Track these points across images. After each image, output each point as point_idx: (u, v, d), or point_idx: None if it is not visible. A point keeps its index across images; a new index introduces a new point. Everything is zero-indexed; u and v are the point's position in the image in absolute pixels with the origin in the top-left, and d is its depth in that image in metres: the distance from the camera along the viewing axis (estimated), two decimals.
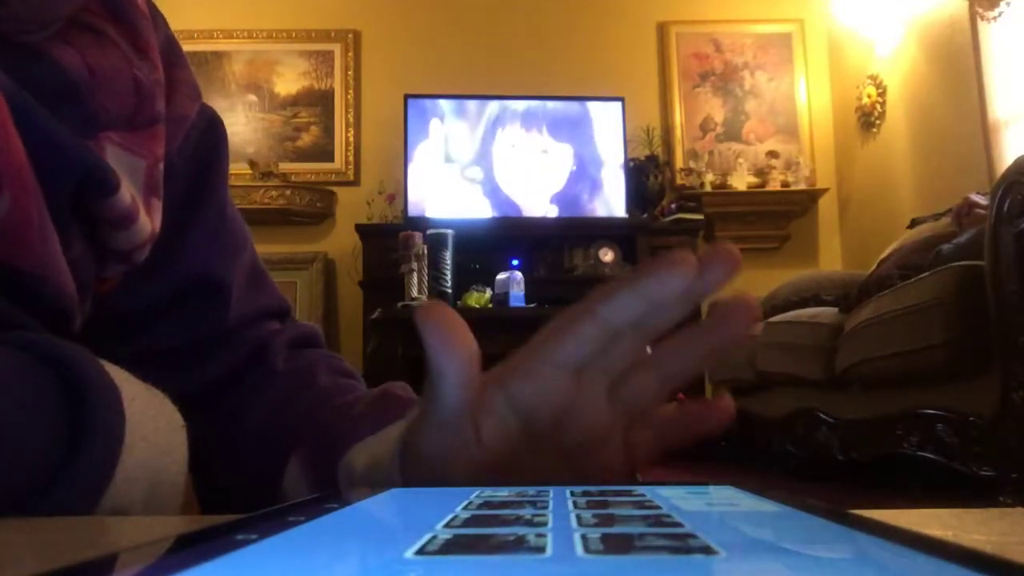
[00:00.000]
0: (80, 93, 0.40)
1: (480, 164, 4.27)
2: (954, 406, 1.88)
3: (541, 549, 0.15)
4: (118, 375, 0.34)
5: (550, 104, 4.37)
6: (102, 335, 0.54)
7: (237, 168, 4.33)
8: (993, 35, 3.28)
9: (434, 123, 4.29)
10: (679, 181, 4.52)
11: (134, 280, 0.47)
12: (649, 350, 0.33)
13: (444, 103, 4.32)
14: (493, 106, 4.34)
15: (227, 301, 0.52)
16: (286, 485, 0.45)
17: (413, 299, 2.68)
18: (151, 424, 0.35)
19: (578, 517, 0.19)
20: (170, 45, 0.50)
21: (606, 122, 4.36)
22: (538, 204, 4.26)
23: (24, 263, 0.37)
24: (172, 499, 0.36)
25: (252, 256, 0.57)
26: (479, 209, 4.22)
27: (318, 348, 0.58)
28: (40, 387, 0.31)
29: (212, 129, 0.56)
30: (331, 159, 4.55)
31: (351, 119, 4.58)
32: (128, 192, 0.42)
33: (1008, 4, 3.16)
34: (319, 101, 4.59)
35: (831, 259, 4.60)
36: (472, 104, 4.34)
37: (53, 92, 0.39)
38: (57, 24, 0.40)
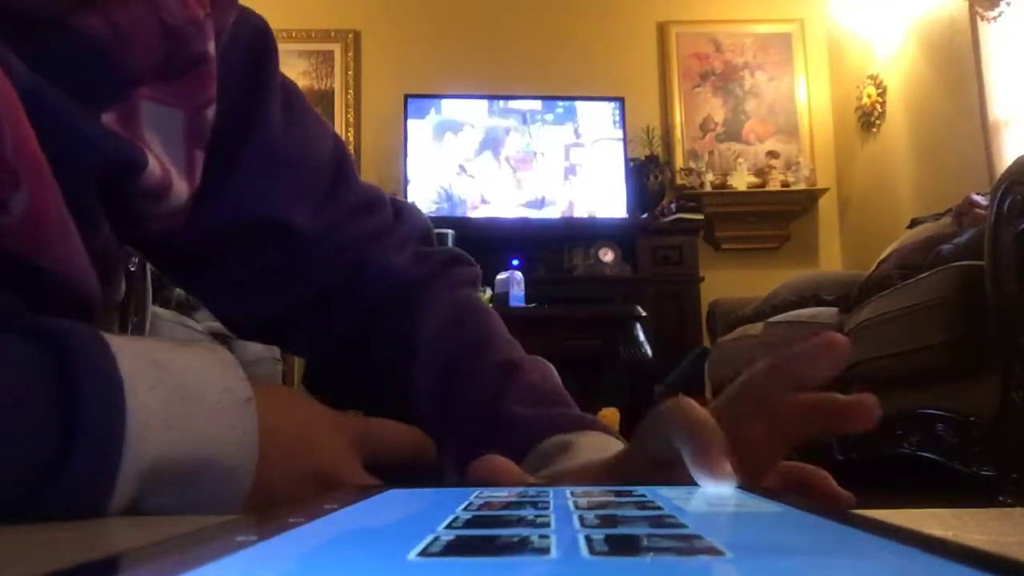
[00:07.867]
0: (106, 56, 0.39)
1: (480, 164, 4.27)
2: (954, 406, 1.87)
3: (546, 550, 0.15)
4: (142, 357, 0.31)
5: (550, 104, 4.37)
6: (171, 265, 0.56)
7: None
8: (993, 35, 3.28)
9: (435, 122, 4.28)
10: (679, 181, 4.52)
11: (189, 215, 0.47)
12: None
13: (445, 103, 4.32)
14: (493, 106, 4.34)
15: (294, 238, 0.52)
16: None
17: None
18: (184, 408, 0.32)
19: (581, 518, 0.19)
20: None
21: (606, 122, 4.36)
22: (538, 204, 4.26)
23: (43, 259, 0.36)
24: (227, 488, 0.33)
25: (329, 159, 0.56)
26: (480, 208, 4.21)
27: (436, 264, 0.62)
28: (29, 383, 0.29)
29: (256, 43, 0.52)
30: None
31: (351, 119, 4.57)
32: (157, 164, 0.41)
33: (1008, 4, 3.16)
34: (319, 101, 4.58)
35: (831, 259, 4.60)
36: (472, 104, 4.34)
37: (76, 63, 0.38)
38: None
